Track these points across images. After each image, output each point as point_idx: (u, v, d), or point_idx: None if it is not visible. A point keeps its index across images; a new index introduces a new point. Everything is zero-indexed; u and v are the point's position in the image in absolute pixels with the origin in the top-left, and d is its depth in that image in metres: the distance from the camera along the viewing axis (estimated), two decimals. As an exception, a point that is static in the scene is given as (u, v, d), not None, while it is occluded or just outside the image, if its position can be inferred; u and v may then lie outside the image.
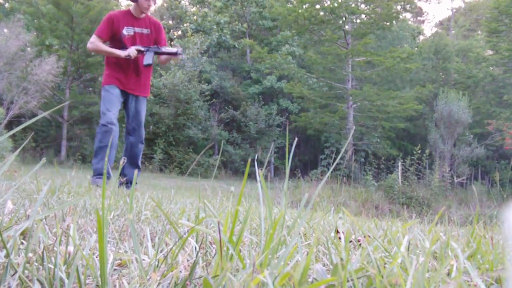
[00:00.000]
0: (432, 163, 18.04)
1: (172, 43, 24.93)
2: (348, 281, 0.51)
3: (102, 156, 3.77)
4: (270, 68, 21.09)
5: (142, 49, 4.01)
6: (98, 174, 3.74)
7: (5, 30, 16.61)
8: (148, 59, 3.96)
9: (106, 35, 3.92)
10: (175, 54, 4.04)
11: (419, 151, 13.43)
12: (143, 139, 4.15)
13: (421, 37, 33.13)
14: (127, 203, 1.50)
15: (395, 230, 1.12)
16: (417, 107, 18.91)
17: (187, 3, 30.72)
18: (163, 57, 4.08)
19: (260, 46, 23.43)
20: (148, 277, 0.56)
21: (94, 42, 3.92)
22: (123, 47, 3.96)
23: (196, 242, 0.77)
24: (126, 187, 3.81)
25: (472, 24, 36.04)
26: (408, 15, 35.56)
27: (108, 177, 3.91)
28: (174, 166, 19.41)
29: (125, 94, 4.04)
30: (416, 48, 25.18)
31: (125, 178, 4.04)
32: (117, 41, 3.96)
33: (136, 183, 3.80)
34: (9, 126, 15.29)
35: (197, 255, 0.64)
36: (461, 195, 15.98)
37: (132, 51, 3.93)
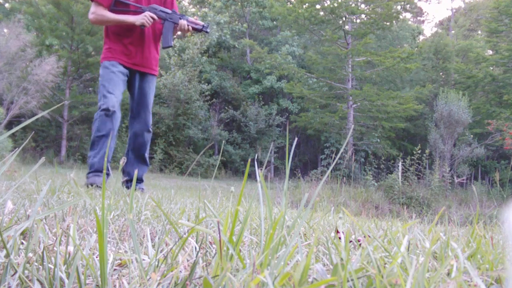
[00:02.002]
0: (432, 163, 18.03)
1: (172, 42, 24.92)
2: (348, 281, 0.51)
3: (100, 149, 3.13)
4: (270, 68, 21.09)
5: (157, 17, 3.20)
6: (95, 170, 3.11)
7: (5, 30, 16.61)
8: (166, 36, 3.17)
9: (107, 1, 3.18)
10: (200, 30, 3.23)
11: (419, 151, 13.42)
12: (150, 127, 3.44)
13: (421, 37, 33.13)
14: (127, 203, 1.50)
15: (395, 230, 1.12)
16: (417, 107, 18.91)
17: (187, 3, 30.72)
18: (183, 27, 3.23)
19: (260, 46, 23.43)
20: (148, 277, 0.56)
21: (95, 11, 3.16)
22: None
23: (196, 242, 0.77)
24: (126, 187, 3.27)
25: (472, 24, 36.04)
26: (408, 15, 35.58)
27: (108, 175, 3.34)
28: (174, 166, 19.42)
29: (129, 72, 3.34)
30: (416, 48, 25.15)
31: (125, 178, 3.38)
32: (120, 6, 3.23)
33: (142, 181, 3.35)
34: (9, 126, 15.29)
35: (197, 255, 0.64)
36: (461, 195, 15.98)
37: (147, 18, 3.15)
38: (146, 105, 3.38)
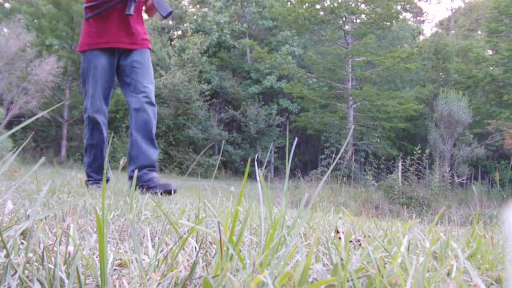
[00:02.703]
0: (432, 163, 18.04)
1: (172, 42, 24.94)
2: (348, 281, 0.51)
3: (93, 158, 2.92)
4: (270, 68, 21.09)
5: None
6: (94, 181, 2.93)
7: (5, 30, 16.62)
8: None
9: None
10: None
11: (419, 151, 13.42)
12: (153, 99, 2.92)
13: (421, 37, 33.12)
14: (127, 203, 1.50)
15: (395, 230, 1.12)
16: (417, 107, 18.91)
17: (187, 3, 30.72)
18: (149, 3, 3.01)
19: (260, 46, 23.43)
20: (148, 277, 0.56)
21: None
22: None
23: (196, 242, 0.77)
24: (141, 187, 2.80)
25: (472, 24, 36.03)
26: (408, 15, 35.57)
27: (108, 181, 3.08)
28: (174, 166, 19.42)
29: (114, 55, 2.95)
30: (416, 48, 25.17)
31: (132, 167, 2.88)
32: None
33: (154, 167, 2.90)
34: (9, 126, 15.29)
35: (197, 255, 0.64)
36: (461, 195, 15.98)
37: None
38: (142, 75, 2.92)
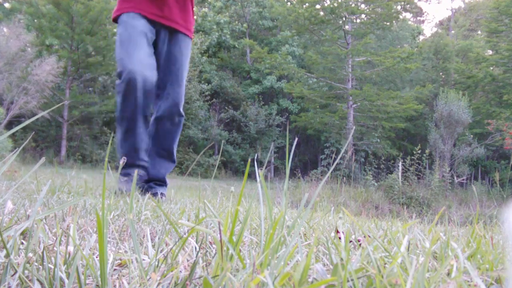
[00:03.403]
0: (432, 163, 18.04)
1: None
2: (348, 281, 0.51)
3: (124, 136, 2.29)
4: (270, 68, 21.09)
5: None
6: (127, 167, 2.28)
7: (5, 30, 16.62)
8: None
9: None
10: None
11: (419, 151, 13.42)
12: (182, 108, 2.43)
13: (421, 37, 33.13)
14: (127, 203, 1.50)
15: (395, 230, 1.12)
16: (417, 107, 18.92)
17: (187, 3, 30.70)
18: None
19: (260, 46, 23.43)
20: (148, 277, 0.56)
21: None
22: None
23: (196, 242, 0.77)
24: (143, 189, 2.41)
25: (472, 24, 36.03)
26: (408, 15, 35.58)
27: (141, 179, 2.37)
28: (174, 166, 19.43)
29: (154, 29, 2.38)
30: (416, 48, 25.17)
31: (143, 179, 2.37)
32: None
33: (164, 184, 2.42)
34: (9, 126, 15.29)
35: (197, 255, 0.64)
36: (461, 195, 15.98)
37: None
38: (176, 76, 2.38)
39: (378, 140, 20.46)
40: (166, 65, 2.41)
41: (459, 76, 24.00)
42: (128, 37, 2.25)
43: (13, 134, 15.19)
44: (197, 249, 0.72)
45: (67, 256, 0.61)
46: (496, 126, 18.81)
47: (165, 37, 2.42)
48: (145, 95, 2.22)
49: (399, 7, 20.17)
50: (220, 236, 0.55)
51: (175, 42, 2.43)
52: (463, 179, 16.84)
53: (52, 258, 0.61)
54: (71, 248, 0.65)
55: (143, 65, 2.19)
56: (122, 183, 2.22)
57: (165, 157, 2.48)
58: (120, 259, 0.66)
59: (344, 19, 19.82)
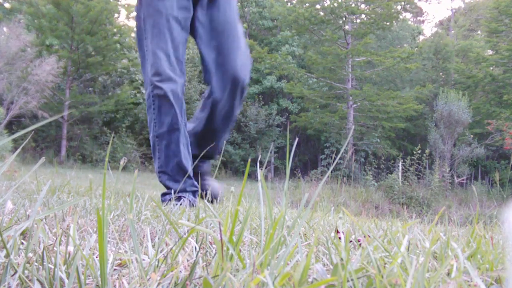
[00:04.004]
0: (432, 163, 18.04)
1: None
2: (348, 281, 0.51)
3: (167, 150, 1.88)
4: (270, 68, 21.09)
5: None
6: (174, 190, 1.86)
7: (5, 30, 16.63)
8: None
9: None
10: None
11: (419, 151, 13.43)
12: (247, 77, 1.94)
13: (421, 37, 33.12)
14: (127, 203, 1.50)
15: (395, 230, 1.12)
16: (417, 107, 18.92)
17: (187, 3, 30.72)
18: None
19: (260, 46, 23.42)
20: (148, 277, 0.56)
21: None
22: None
23: (196, 242, 0.77)
24: (211, 197, 2.08)
25: (472, 24, 36.02)
26: (408, 15, 35.55)
27: (195, 193, 1.95)
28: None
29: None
30: (416, 48, 25.17)
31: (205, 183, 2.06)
32: None
33: (206, 179, 2.04)
34: (9, 126, 15.30)
35: (197, 255, 0.64)
36: (461, 195, 15.98)
37: None
38: (232, 37, 1.88)
39: (378, 140, 20.46)
40: (218, 24, 1.89)
41: (459, 76, 24.00)
42: (148, 29, 1.82)
43: (13, 134, 15.19)
44: (197, 249, 0.72)
45: (67, 256, 0.61)
46: (496, 126, 18.81)
47: (204, 3, 1.96)
48: (179, 103, 1.88)
49: (399, 7, 20.18)
50: (220, 236, 0.55)
51: (219, 3, 1.94)
52: (463, 179, 16.84)
53: (52, 258, 0.61)
54: (71, 248, 0.65)
55: (168, 68, 1.81)
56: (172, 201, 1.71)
57: (209, 143, 2.04)
58: (120, 259, 0.66)
59: (344, 19, 19.83)
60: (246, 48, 1.98)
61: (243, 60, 1.90)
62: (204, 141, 2.07)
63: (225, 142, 2.19)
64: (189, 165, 1.90)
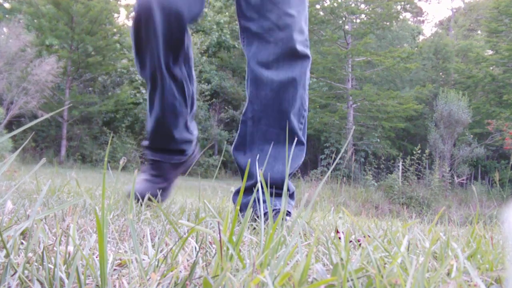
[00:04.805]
0: (432, 163, 18.04)
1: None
2: (348, 281, 0.51)
3: (155, 130, 1.58)
4: (270, 68, 21.05)
5: None
6: (155, 153, 1.63)
7: (5, 30, 16.63)
8: None
9: None
10: None
11: (419, 151, 13.43)
12: (305, 45, 1.43)
13: (421, 37, 33.13)
14: (127, 203, 1.50)
15: (395, 230, 1.12)
16: (417, 107, 18.92)
17: (187, 3, 30.70)
18: None
19: (260, 46, 23.39)
20: (148, 277, 0.56)
21: None
22: None
23: (196, 242, 0.77)
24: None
25: (472, 24, 36.03)
26: (408, 15, 35.55)
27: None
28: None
29: None
30: (416, 48, 25.18)
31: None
32: None
33: (291, 197, 1.48)
34: (9, 126, 15.30)
35: (197, 255, 0.64)
36: (461, 195, 15.98)
37: None
38: (280, 12, 1.36)
39: (378, 140, 20.46)
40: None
41: (459, 76, 24.00)
42: None
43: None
44: (197, 249, 0.72)
45: (67, 256, 0.61)
46: (496, 126, 18.82)
47: None
48: (177, 85, 1.49)
49: (399, 7, 20.19)
50: (220, 236, 0.55)
51: None
52: (463, 179, 16.84)
53: (52, 258, 0.61)
54: (71, 248, 0.65)
55: (163, 53, 1.42)
56: (141, 183, 1.52)
57: (281, 139, 1.42)
58: (120, 259, 0.66)
59: (344, 19, 19.83)
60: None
61: (293, 19, 1.42)
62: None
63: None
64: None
